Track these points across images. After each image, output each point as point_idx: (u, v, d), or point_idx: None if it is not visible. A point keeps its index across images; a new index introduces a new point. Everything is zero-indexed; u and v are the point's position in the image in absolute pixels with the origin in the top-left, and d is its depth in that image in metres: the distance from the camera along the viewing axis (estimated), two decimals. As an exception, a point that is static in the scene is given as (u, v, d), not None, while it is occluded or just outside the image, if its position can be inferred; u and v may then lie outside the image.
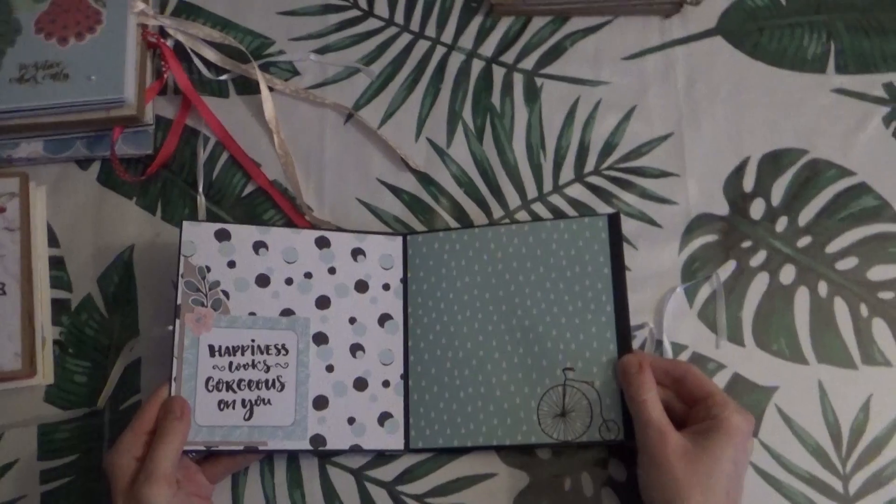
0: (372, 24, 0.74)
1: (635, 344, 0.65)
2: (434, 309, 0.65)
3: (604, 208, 0.68)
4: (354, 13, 0.75)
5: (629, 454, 0.62)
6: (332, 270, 0.64)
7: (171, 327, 0.60)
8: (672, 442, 0.55)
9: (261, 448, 0.60)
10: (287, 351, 0.62)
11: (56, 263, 0.68)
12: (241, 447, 0.59)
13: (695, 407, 0.57)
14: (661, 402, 0.57)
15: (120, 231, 0.69)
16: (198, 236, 0.62)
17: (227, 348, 0.61)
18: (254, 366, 0.61)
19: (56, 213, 0.69)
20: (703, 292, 0.66)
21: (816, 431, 0.63)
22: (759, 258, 0.66)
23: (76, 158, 0.70)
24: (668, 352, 0.64)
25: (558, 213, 0.68)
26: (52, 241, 0.69)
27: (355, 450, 0.62)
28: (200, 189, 0.70)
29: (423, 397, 0.64)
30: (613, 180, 0.69)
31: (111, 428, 0.64)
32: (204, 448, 0.59)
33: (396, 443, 0.63)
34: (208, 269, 0.62)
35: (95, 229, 0.69)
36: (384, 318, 0.65)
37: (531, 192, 0.69)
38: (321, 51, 0.74)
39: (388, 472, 0.63)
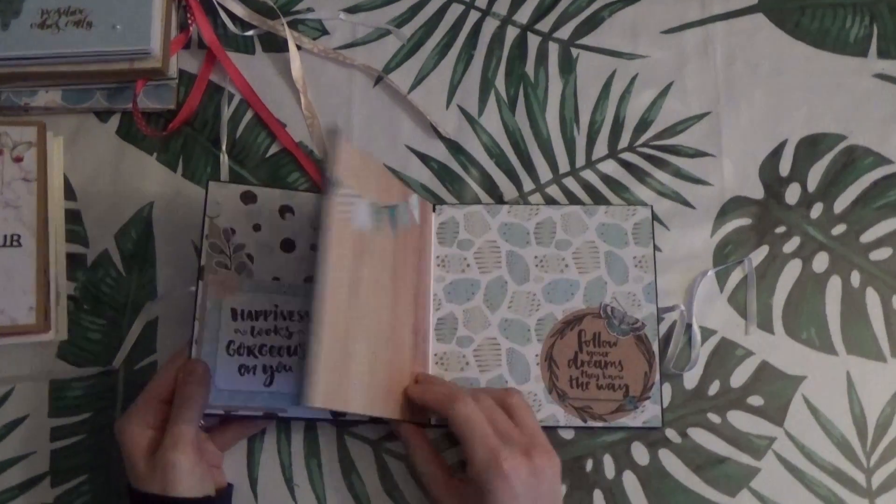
0: (404, -16, 0.73)
1: (664, 327, 0.65)
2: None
3: (637, 186, 0.68)
4: (387, -28, 0.73)
5: (653, 438, 0.63)
6: None
7: (193, 288, 0.59)
8: (445, 501, 0.55)
9: (280, 415, 0.60)
10: None
11: (73, 217, 0.67)
12: (261, 413, 0.59)
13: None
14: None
15: (139, 187, 0.68)
16: (224, 197, 0.62)
17: (250, 313, 0.60)
18: (276, 331, 0.60)
19: (73, 165, 0.68)
20: (735, 277, 0.66)
21: (842, 423, 0.63)
22: (792, 244, 0.66)
23: (95, 110, 0.69)
24: (697, 336, 0.64)
25: (590, 189, 0.68)
26: (69, 194, 0.68)
27: (376, 420, 0.62)
28: (223, 147, 0.69)
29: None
30: (648, 158, 0.68)
31: (125, 387, 0.64)
32: (223, 412, 0.58)
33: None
34: (233, 232, 0.61)
35: (114, 184, 0.68)
36: None
37: (563, 166, 0.69)
38: (352, 10, 0.73)
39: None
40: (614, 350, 0.63)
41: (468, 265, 0.65)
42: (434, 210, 0.66)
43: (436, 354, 0.63)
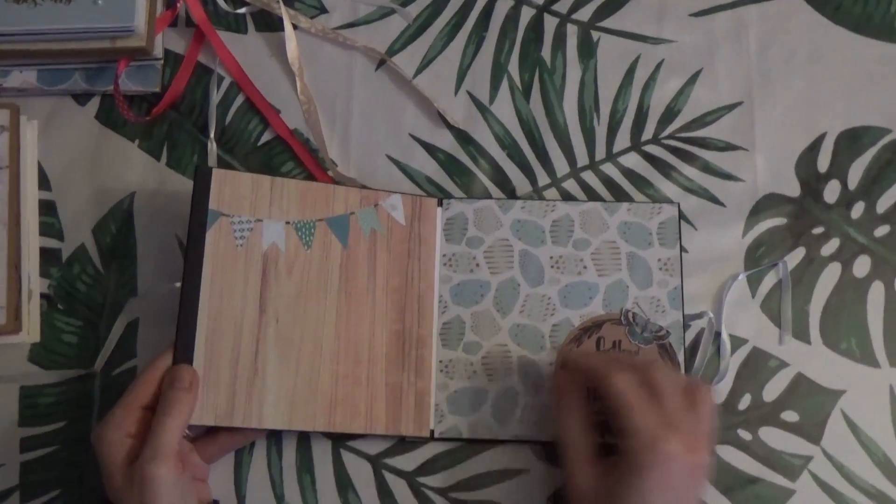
0: (410, -41, 0.71)
1: (690, 335, 0.62)
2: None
3: (662, 182, 0.66)
4: (391, -53, 0.71)
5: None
6: None
7: (177, 284, 0.58)
8: (579, 481, 0.51)
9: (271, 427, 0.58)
10: None
11: (47, 208, 0.65)
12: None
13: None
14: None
15: (120, 176, 0.66)
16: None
17: None
18: None
19: (48, 152, 0.66)
20: (768, 281, 0.63)
21: (885, 442, 0.60)
22: (831, 247, 0.64)
23: (73, 92, 0.67)
24: (727, 345, 0.61)
25: (611, 185, 0.65)
26: (44, 183, 0.66)
27: (373, 435, 0.59)
28: (212, 134, 0.67)
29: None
30: (674, 151, 0.66)
31: (102, 394, 0.62)
32: (213, 423, 0.56)
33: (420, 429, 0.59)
34: None
35: (92, 173, 0.66)
36: None
37: (581, 158, 0.66)
38: (353, -14, 0.71)
39: (408, 461, 0.60)
40: (638, 356, 0.60)
41: (477, 265, 0.62)
42: (440, 205, 0.63)
43: (440, 361, 0.61)
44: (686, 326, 0.61)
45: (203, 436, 0.58)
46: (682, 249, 0.62)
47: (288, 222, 0.59)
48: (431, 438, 0.59)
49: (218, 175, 0.58)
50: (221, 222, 0.58)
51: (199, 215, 0.57)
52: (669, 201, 0.64)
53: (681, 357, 0.59)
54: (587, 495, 0.50)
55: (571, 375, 0.55)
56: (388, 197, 0.62)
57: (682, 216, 0.63)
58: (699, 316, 0.62)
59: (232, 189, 0.58)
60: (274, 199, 0.59)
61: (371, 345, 0.59)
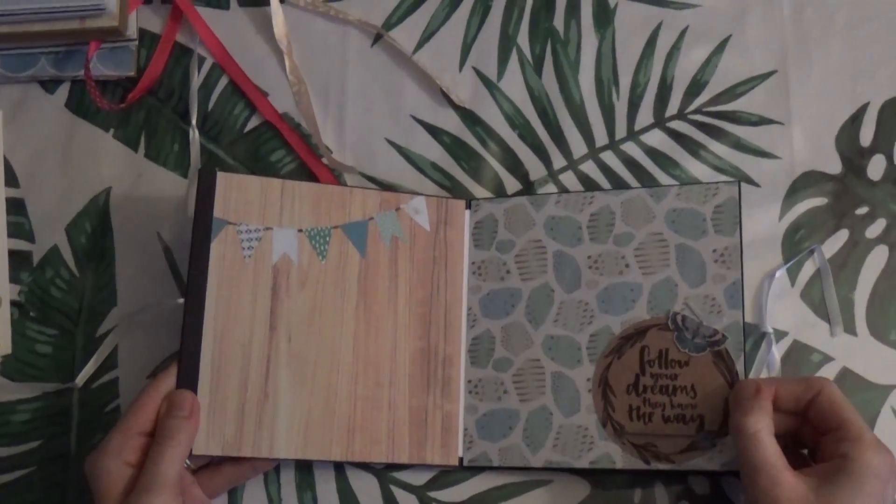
0: (407, -78, 0.70)
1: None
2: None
3: (689, 161, 0.64)
4: None
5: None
6: None
7: (181, 300, 0.58)
8: (787, 490, 0.49)
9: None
10: None
11: (15, 207, 0.65)
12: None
13: (825, 437, 0.51)
14: (783, 431, 0.52)
15: (94, 170, 0.66)
16: None
17: None
18: None
19: (15, 145, 0.66)
20: (808, 268, 0.62)
21: None
22: (876, 228, 0.62)
23: (40, 79, 0.68)
24: (773, 346, 0.60)
25: (633, 165, 0.64)
26: (10, 179, 0.66)
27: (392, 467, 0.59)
28: (193, 121, 0.66)
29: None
30: (701, 126, 0.65)
31: (81, 410, 0.62)
32: (220, 454, 0.56)
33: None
34: None
35: (63, 167, 0.66)
36: None
37: (600, 138, 0.65)
38: (345, -45, 0.70)
39: (418, 476, 0.60)
40: (686, 371, 0.56)
41: (508, 272, 0.60)
42: (469, 207, 0.62)
43: (469, 381, 0.59)
44: (748, 332, 0.59)
45: (206, 467, 0.57)
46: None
47: (301, 230, 0.58)
48: (460, 467, 0.58)
49: (223, 179, 0.57)
50: (227, 231, 0.57)
51: (202, 224, 0.56)
52: (729, 181, 0.61)
53: (740, 366, 0.56)
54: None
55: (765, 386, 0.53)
56: (411, 200, 0.61)
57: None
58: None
59: (238, 194, 0.57)
60: (285, 205, 0.58)
61: (393, 364, 0.58)
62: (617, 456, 0.56)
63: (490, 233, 0.61)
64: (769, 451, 0.50)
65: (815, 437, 0.52)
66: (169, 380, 0.55)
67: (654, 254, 0.59)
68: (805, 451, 0.54)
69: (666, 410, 0.56)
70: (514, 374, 0.58)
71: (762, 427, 0.51)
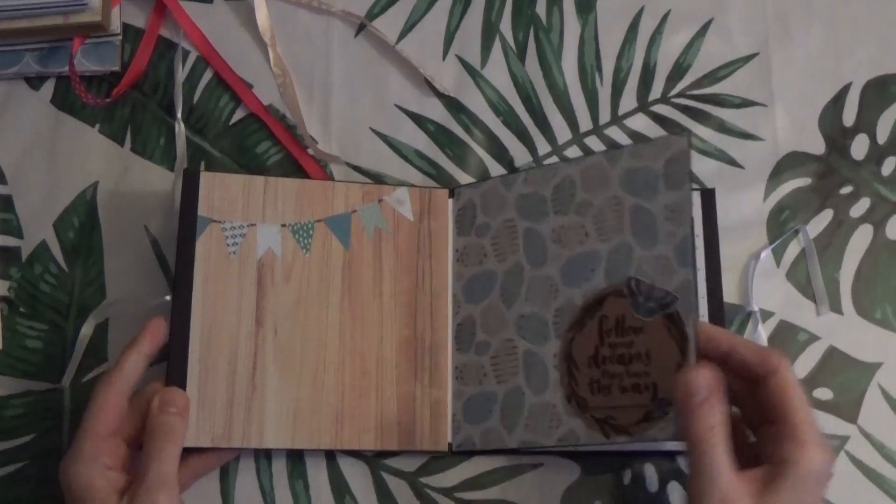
0: (388, -89, 0.70)
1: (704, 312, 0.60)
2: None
3: None
4: None
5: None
6: None
7: (168, 297, 0.58)
8: (723, 493, 0.45)
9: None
10: None
11: (3, 203, 0.65)
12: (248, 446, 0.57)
13: (770, 427, 0.48)
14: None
15: (80, 165, 0.65)
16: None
17: None
18: None
19: (1, 142, 0.66)
20: (793, 249, 0.63)
21: None
22: (860, 207, 0.63)
23: (25, 75, 0.67)
24: (760, 324, 0.61)
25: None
26: None
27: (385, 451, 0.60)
28: (179, 115, 0.66)
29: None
30: (685, 110, 0.66)
31: (73, 404, 0.61)
32: (210, 445, 0.56)
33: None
34: None
35: (50, 163, 0.66)
36: None
37: (584, 123, 0.66)
38: (326, -55, 0.70)
39: (409, 462, 0.60)
40: (640, 338, 0.52)
41: (485, 255, 0.60)
42: (452, 195, 0.62)
43: (456, 367, 0.60)
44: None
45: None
46: (696, 188, 0.60)
47: (284, 225, 0.59)
48: (450, 453, 0.59)
49: (207, 178, 0.58)
50: (212, 230, 0.57)
51: (187, 223, 0.57)
52: (680, 134, 0.59)
53: (690, 328, 0.50)
54: None
55: (720, 366, 0.49)
56: (394, 191, 0.61)
57: (697, 179, 0.62)
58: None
59: (222, 192, 0.58)
60: (268, 201, 0.59)
61: (380, 353, 0.59)
62: (581, 432, 0.54)
63: (470, 219, 0.61)
64: (717, 458, 0.46)
65: (759, 418, 0.49)
66: (122, 380, 0.53)
67: (611, 219, 0.55)
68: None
69: (623, 381, 0.53)
70: (491, 357, 0.58)
71: (712, 433, 0.46)
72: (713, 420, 0.46)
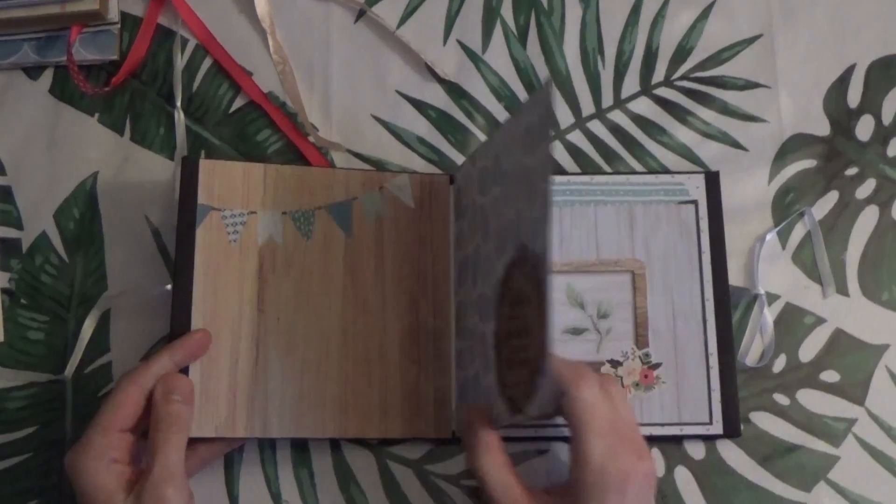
0: None
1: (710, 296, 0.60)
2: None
3: (677, 127, 0.65)
4: None
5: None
6: None
7: (168, 287, 0.58)
8: None
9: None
10: None
11: (2, 195, 0.65)
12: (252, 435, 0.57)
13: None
14: None
15: (80, 155, 0.65)
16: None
17: None
18: None
19: (0, 133, 0.66)
20: (799, 231, 0.63)
21: None
22: (866, 188, 0.63)
23: (23, 65, 0.67)
24: (766, 308, 0.61)
25: (620, 134, 0.65)
26: None
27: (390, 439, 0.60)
28: (178, 103, 0.66)
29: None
30: (688, 93, 0.66)
31: (75, 395, 0.61)
32: (214, 435, 0.56)
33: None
34: None
35: (49, 153, 0.66)
36: None
37: (587, 107, 0.66)
38: (325, -70, 0.70)
39: (414, 449, 0.60)
40: (526, 310, 0.47)
41: (465, 237, 0.59)
42: (453, 182, 0.62)
43: (458, 353, 0.59)
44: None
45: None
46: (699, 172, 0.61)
47: (284, 212, 0.59)
48: (453, 439, 0.58)
49: (206, 166, 0.58)
50: (212, 217, 0.57)
51: (187, 211, 0.57)
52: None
53: (547, 289, 0.43)
54: None
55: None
56: (394, 178, 0.61)
57: (702, 164, 0.62)
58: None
59: (222, 180, 0.58)
60: (268, 189, 0.59)
61: (383, 340, 0.59)
62: (503, 413, 0.50)
63: (461, 203, 0.60)
64: (499, 487, 0.49)
65: None
66: (142, 376, 0.53)
67: (515, 182, 0.50)
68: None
69: (519, 355, 0.48)
70: (469, 341, 0.57)
71: (488, 460, 0.50)
72: (492, 456, 0.50)
